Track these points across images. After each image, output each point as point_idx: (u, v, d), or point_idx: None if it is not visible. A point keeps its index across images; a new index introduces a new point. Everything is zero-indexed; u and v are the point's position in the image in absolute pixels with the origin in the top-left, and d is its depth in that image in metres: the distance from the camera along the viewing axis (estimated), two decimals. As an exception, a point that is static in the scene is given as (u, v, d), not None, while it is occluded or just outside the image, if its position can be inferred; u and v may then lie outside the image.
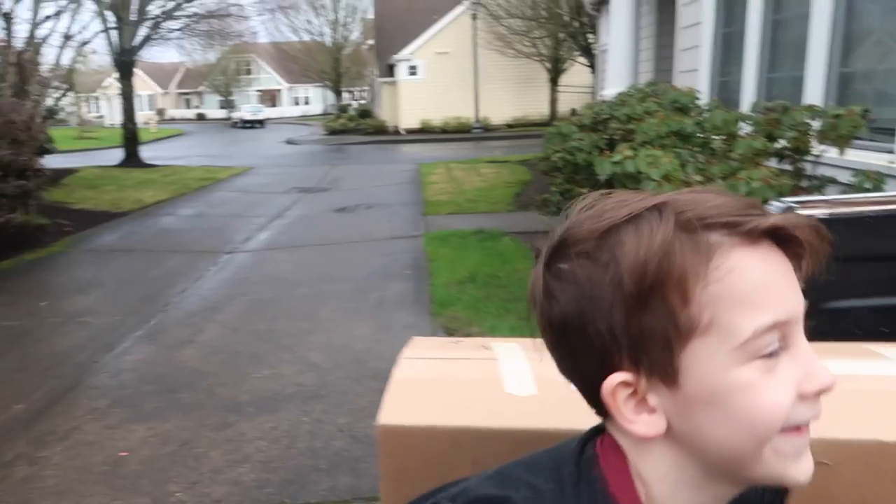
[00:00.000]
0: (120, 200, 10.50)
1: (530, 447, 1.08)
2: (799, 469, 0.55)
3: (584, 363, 0.57)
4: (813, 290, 1.57)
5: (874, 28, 4.30)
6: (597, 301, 0.52)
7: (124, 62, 16.06)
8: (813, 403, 0.55)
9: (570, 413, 1.08)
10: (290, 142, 24.61)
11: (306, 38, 36.96)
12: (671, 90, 4.74)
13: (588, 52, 18.18)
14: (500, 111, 25.79)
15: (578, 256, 0.54)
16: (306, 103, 56.52)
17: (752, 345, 0.51)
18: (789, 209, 1.41)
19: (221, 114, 52.13)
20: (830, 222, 1.46)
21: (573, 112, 5.31)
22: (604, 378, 0.55)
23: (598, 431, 0.64)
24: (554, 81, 24.32)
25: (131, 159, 16.07)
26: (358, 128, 26.98)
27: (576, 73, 22.76)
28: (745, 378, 0.52)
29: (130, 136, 16.38)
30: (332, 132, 27.22)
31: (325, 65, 35.48)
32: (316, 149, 21.73)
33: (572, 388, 1.18)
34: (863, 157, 3.97)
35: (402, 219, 8.58)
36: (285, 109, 55.05)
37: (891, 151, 3.94)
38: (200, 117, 55.19)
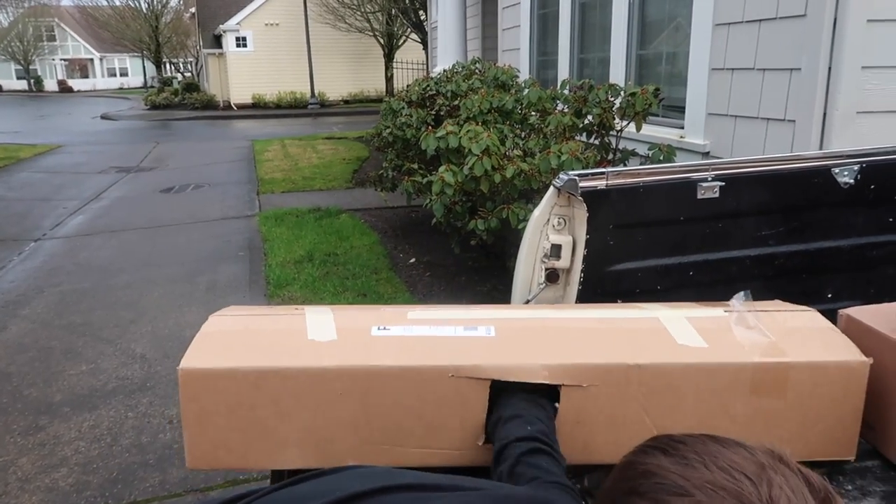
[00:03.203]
0: None
1: (328, 385, 1.14)
2: None
3: None
4: (597, 255, 1.75)
5: (666, 14, 4.76)
6: None
7: None
8: None
9: (363, 354, 1.17)
10: (105, 117, 22.52)
11: (117, 1, 33.84)
12: (493, 68, 4.95)
13: (420, 28, 18.36)
14: (336, 87, 25.35)
15: None
16: (124, 75, 51.88)
17: None
18: (572, 181, 1.57)
19: (21, 85, 46.51)
20: (609, 193, 1.64)
21: (406, 88, 5.35)
22: None
23: None
24: (389, 57, 24.30)
25: None
26: (184, 102, 25.27)
27: (410, 50, 22.89)
28: None
29: None
30: (155, 107, 25.27)
31: (142, 33, 32.72)
32: (137, 125, 20.08)
33: (373, 333, 1.26)
34: (658, 132, 4.42)
35: (234, 198, 8.24)
36: (99, 81, 50.18)
37: (681, 127, 4.42)
38: (-6, 88, 48.81)
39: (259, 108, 23.84)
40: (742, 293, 1.37)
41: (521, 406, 1.12)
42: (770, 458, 0.60)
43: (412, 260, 5.38)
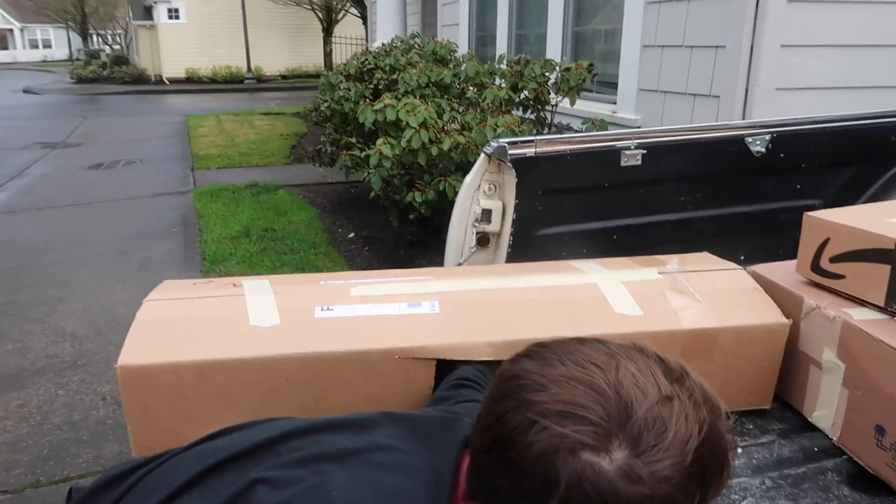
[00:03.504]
0: None
1: (275, 374, 1.15)
2: None
3: None
4: (525, 219, 1.82)
5: (599, -8, 4.86)
6: None
7: None
8: None
9: (309, 339, 1.18)
10: (28, 91, 21.40)
11: (39, -33, 31.99)
12: (432, 42, 4.95)
13: (360, 2, 18.05)
14: (273, 62, 24.72)
15: None
16: (47, 47, 49.19)
17: None
18: (502, 148, 1.62)
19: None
20: (537, 160, 1.70)
21: (345, 63, 5.30)
22: None
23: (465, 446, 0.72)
24: (328, 32, 23.83)
25: None
26: (113, 76, 24.19)
27: (350, 25, 22.48)
28: None
29: None
30: (82, 80, 24.13)
31: (67, 2, 31.07)
32: (63, 99, 19.15)
33: (317, 315, 1.25)
34: (592, 107, 4.53)
35: (167, 174, 8.00)
36: (20, 53, 47.42)
37: (614, 102, 4.54)
38: None
39: (193, 83, 23.05)
40: (677, 258, 1.45)
41: (462, 371, 1.16)
42: (627, 349, 0.66)
43: (351, 234, 5.37)
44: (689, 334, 1.26)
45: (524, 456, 0.59)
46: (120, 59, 26.05)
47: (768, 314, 1.32)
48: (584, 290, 1.34)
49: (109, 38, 37.78)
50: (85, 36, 32.98)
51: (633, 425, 0.58)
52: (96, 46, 35.26)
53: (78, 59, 34.47)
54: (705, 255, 1.52)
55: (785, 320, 1.31)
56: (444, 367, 1.19)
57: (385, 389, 1.17)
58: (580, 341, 0.68)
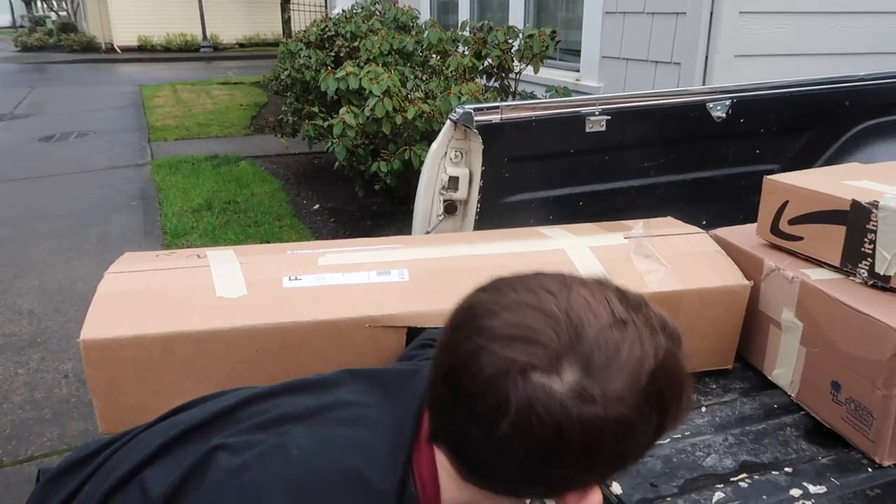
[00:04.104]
0: None
1: (244, 345, 1.14)
2: None
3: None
4: (492, 186, 1.82)
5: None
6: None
7: None
8: None
9: (277, 310, 1.17)
10: (-30, 60, 20.47)
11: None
12: (393, 8, 4.87)
13: (319, -33, 17.58)
14: (230, 29, 24.00)
15: None
16: (-12, 14, 46.98)
17: None
18: (468, 114, 1.61)
19: None
20: (503, 126, 1.70)
21: (305, 30, 5.16)
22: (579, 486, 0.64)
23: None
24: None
25: None
26: (60, 44, 23.24)
27: (308, -10, 21.93)
28: None
29: None
30: (27, 49, 23.14)
31: (8, -34, 29.60)
32: (7, 68, 18.36)
33: (285, 285, 1.23)
34: (555, 75, 4.53)
35: (123, 146, 7.77)
36: (-41, 20, 45.24)
37: (577, 70, 4.54)
38: None
39: (146, 52, 22.28)
40: (642, 223, 1.47)
41: (428, 332, 1.16)
42: (585, 279, 0.65)
43: (316, 206, 5.32)
44: (655, 297, 1.28)
45: (475, 381, 0.58)
46: (67, 26, 25.00)
47: (730, 276, 1.36)
48: (552, 256, 1.35)
49: (55, 3, 36.24)
50: (28, 1, 31.53)
51: (584, 346, 0.57)
52: (41, 13, 33.76)
53: (22, 27, 33.01)
54: (669, 220, 1.54)
55: (746, 282, 1.34)
56: (415, 335, 1.19)
57: (356, 358, 1.17)
58: (538, 273, 0.66)
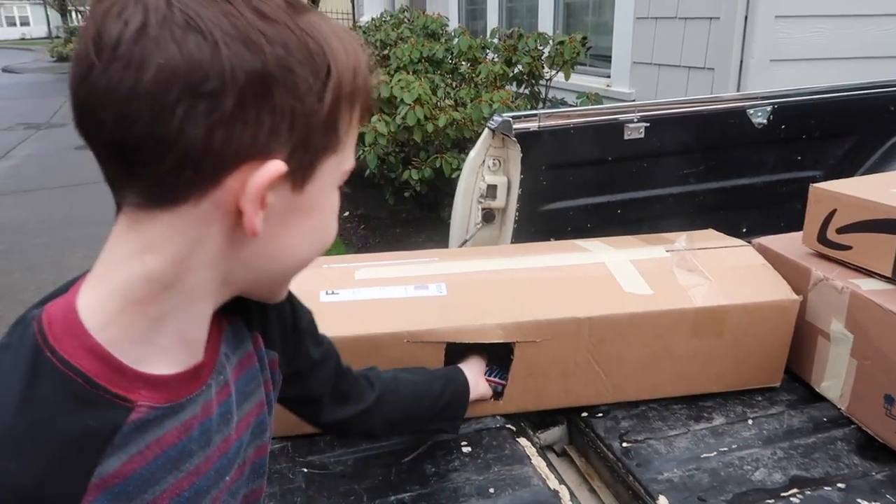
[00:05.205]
0: None
1: None
2: (285, 292, 0.65)
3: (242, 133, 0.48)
4: (530, 194, 1.82)
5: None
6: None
7: None
8: None
9: (317, 322, 1.16)
10: (7, 70, 21.01)
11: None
12: (422, 17, 4.89)
13: (346, -24, 17.76)
14: (258, 37, 24.33)
15: None
16: (25, 24, 48.25)
17: (344, 176, 0.57)
18: (506, 123, 1.61)
19: None
20: (541, 134, 1.69)
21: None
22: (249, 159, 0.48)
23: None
24: (314, 3, 23.48)
25: None
26: (94, 54, 23.75)
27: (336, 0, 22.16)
28: (335, 202, 0.58)
29: None
30: (63, 58, 23.69)
31: (44, -21, 30.39)
32: (44, 78, 18.81)
33: (322, 299, 1.21)
34: (586, 81, 4.51)
35: (156, 154, 7.90)
36: (-3, 32, 46.57)
37: (608, 76, 4.52)
38: None
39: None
40: (684, 235, 1.45)
41: None
42: None
43: (346, 213, 5.35)
44: (700, 312, 1.25)
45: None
46: (101, 37, 25.52)
47: (778, 291, 1.31)
48: (593, 269, 1.33)
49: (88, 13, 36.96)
50: (63, 12, 32.35)
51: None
52: (75, 23, 34.57)
53: (57, 37, 33.84)
54: (712, 232, 1.51)
55: (795, 297, 1.30)
56: (454, 351, 1.18)
57: None
58: None
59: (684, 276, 1.32)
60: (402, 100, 3.40)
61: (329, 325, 1.13)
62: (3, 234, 5.13)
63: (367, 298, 1.20)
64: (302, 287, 1.24)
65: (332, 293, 1.20)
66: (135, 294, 0.52)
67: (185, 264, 0.51)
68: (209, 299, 0.56)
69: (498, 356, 1.24)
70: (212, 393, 0.58)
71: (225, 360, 0.61)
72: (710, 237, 1.49)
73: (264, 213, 0.50)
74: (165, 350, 0.54)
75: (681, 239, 1.44)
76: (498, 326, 1.17)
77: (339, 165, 0.56)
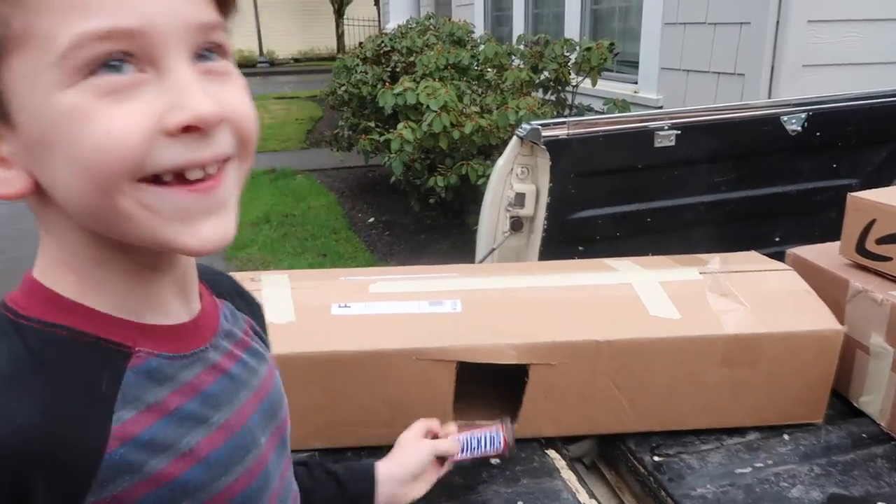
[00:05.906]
0: None
1: (288, 372, 1.12)
2: (193, 235, 0.47)
3: None
4: (559, 203, 1.80)
5: (619, -31, 4.77)
6: None
7: None
8: (188, 144, 0.45)
9: (322, 338, 1.13)
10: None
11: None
12: (448, 23, 4.90)
13: (372, -17, 17.89)
14: (285, 45, 24.62)
15: None
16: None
17: (75, 58, 0.41)
18: (535, 130, 1.60)
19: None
20: (570, 142, 1.68)
21: (360, 45, 5.26)
22: None
23: None
24: (339, 13, 23.69)
25: None
26: (126, 62, 24.23)
27: (361, 6, 22.34)
28: (72, 103, 0.42)
29: None
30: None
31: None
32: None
33: (333, 312, 1.17)
34: (612, 87, 4.47)
35: (184, 161, 8.03)
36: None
37: (635, 82, 4.48)
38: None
39: (205, 68, 23.03)
40: (719, 257, 1.38)
41: None
42: None
43: (371, 219, 5.37)
44: (731, 340, 1.17)
45: None
46: (132, 46, 26.04)
47: (820, 319, 1.22)
48: (617, 290, 1.26)
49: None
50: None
51: None
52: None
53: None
54: (752, 255, 1.43)
55: (839, 327, 1.21)
56: (467, 370, 1.14)
57: (403, 392, 1.12)
58: None
59: (717, 301, 1.23)
60: (428, 106, 3.40)
61: (337, 339, 1.10)
62: (35, 240, 5.23)
63: (379, 313, 1.17)
64: (314, 299, 1.22)
65: (345, 306, 1.17)
66: (58, 245, 0.52)
67: (43, 223, 0.52)
68: (102, 247, 0.50)
69: (512, 378, 1.19)
70: (220, 351, 0.58)
71: (228, 325, 0.62)
72: (750, 259, 1.40)
73: (11, 168, 0.45)
74: (149, 304, 0.53)
75: (715, 260, 1.37)
76: (511, 346, 1.13)
77: (38, 63, 0.42)
